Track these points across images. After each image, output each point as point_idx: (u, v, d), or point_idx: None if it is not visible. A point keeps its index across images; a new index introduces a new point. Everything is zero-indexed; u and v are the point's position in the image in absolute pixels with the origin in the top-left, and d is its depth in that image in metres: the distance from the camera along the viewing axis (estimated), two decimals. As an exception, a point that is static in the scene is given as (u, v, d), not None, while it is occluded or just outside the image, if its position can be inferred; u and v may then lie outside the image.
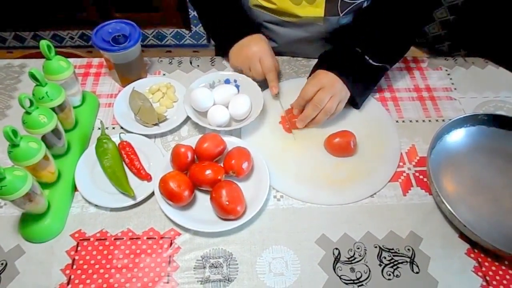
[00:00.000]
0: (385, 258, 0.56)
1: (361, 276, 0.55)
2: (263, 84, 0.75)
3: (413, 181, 0.65)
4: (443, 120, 0.74)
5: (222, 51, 0.80)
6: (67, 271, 0.54)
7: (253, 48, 0.72)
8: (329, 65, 0.69)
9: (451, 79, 0.81)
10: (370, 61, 0.69)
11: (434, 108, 0.76)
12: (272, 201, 0.62)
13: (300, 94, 0.69)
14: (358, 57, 0.69)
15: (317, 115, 0.68)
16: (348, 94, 0.69)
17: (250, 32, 0.74)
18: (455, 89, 0.80)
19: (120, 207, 0.60)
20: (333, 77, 0.67)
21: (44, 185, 0.58)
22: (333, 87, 0.67)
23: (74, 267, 0.54)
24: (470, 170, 0.65)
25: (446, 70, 0.83)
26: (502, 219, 0.59)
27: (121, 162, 0.64)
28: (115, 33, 0.72)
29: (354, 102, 0.72)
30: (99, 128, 0.69)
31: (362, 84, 0.71)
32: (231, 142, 0.66)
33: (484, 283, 0.54)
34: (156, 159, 0.65)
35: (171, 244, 0.57)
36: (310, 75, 0.74)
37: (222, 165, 0.62)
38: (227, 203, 0.56)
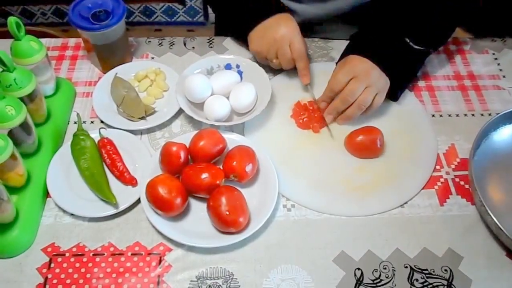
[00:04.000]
0: (417, 280, 0.56)
1: (388, 302, 0.55)
2: (270, 70, 0.75)
3: (452, 188, 0.65)
4: (490, 115, 0.73)
5: (241, 34, 0.78)
6: (38, 292, 0.55)
7: (282, 29, 0.70)
8: (364, 48, 0.68)
9: (499, 64, 0.81)
10: (412, 44, 0.68)
11: (478, 100, 0.75)
12: (282, 211, 0.62)
13: (329, 84, 0.69)
14: (398, 40, 0.68)
15: (348, 109, 0.67)
16: (388, 83, 0.68)
17: (277, 10, 0.72)
18: (504, 76, 0.79)
19: (100, 217, 0.60)
20: (368, 63, 0.67)
21: (11, 190, 0.58)
22: (368, 76, 0.66)
23: (47, 287, 0.55)
24: (522, 175, 0.64)
25: (493, 54, 0.82)
26: (560, 235, 0.59)
27: (101, 163, 0.64)
28: (96, 9, 0.72)
29: (393, 94, 0.72)
30: (75, 122, 0.69)
31: (402, 72, 0.71)
32: (232, 139, 0.66)
33: (537, 312, 0.54)
34: (143, 159, 0.65)
35: (160, 261, 0.57)
36: (339, 60, 0.72)
37: (221, 167, 0.62)
38: (227, 213, 0.56)
